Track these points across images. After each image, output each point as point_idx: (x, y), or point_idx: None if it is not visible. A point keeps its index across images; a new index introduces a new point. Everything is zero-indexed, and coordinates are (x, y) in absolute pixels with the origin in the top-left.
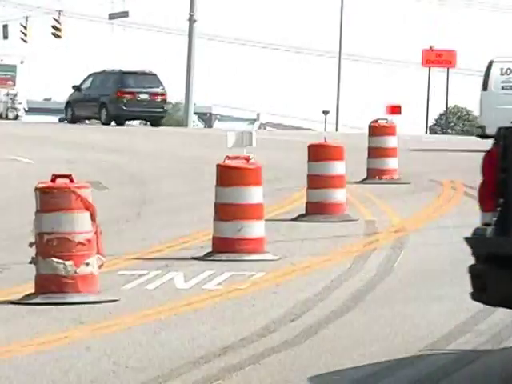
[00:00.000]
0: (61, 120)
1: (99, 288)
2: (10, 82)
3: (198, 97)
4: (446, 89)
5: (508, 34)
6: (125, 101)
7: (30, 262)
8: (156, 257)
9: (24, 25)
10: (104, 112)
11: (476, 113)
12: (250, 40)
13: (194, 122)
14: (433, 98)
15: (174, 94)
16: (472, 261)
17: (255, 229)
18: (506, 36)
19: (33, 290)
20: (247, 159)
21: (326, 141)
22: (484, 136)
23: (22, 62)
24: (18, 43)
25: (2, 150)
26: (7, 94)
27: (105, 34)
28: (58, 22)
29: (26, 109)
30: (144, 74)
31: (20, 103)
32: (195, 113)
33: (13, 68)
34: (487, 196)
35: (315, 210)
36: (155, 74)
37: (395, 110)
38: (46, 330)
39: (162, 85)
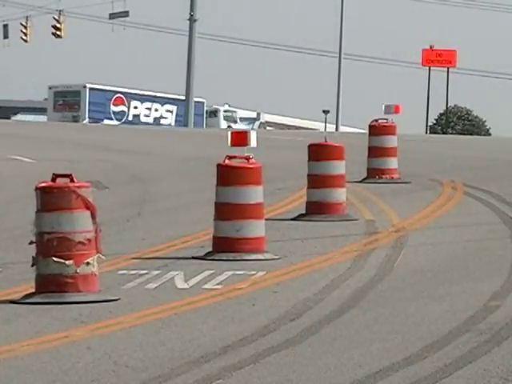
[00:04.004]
0: None
1: (99, 287)
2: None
3: (208, 97)
4: (446, 88)
5: (508, 34)
6: None
7: (32, 265)
8: (156, 256)
9: (24, 24)
10: None
11: (476, 112)
12: (251, 39)
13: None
14: (433, 97)
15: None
16: (471, 260)
17: (255, 228)
18: (506, 36)
19: (33, 290)
20: (247, 159)
21: (326, 140)
22: None
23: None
24: (18, 43)
25: (4, 149)
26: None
27: (105, 33)
28: (58, 21)
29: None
30: None
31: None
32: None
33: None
34: None
35: (315, 209)
36: None
37: (394, 109)
38: (47, 329)
39: None
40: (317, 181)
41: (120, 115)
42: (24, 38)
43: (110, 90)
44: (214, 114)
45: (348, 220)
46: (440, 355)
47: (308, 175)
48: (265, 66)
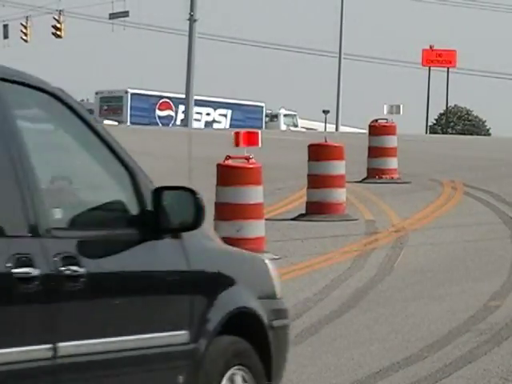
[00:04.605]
0: None
1: None
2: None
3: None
4: (446, 88)
5: (508, 34)
6: None
7: None
8: None
9: (24, 24)
10: None
11: (476, 112)
12: (251, 39)
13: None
14: (433, 97)
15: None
16: (471, 260)
17: (255, 228)
18: (506, 36)
19: None
20: (247, 159)
21: (326, 140)
22: None
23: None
24: (18, 43)
25: None
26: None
27: (105, 33)
28: (58, 21)
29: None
30: None
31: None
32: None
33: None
34: None
35: (315, 209)
36: None
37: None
38: None
39: None
40: (317, 181)
41: (167, 120)
42: (24, 37)
43: (154, 95)
44: (275, 117)
45: (348, 220)
46: (440, 355)
47: (308, 175)
48: (265, 66)
